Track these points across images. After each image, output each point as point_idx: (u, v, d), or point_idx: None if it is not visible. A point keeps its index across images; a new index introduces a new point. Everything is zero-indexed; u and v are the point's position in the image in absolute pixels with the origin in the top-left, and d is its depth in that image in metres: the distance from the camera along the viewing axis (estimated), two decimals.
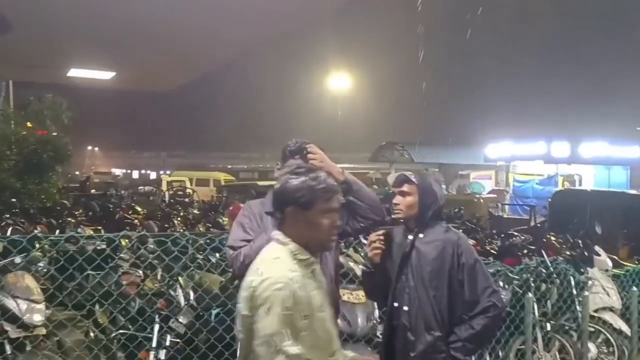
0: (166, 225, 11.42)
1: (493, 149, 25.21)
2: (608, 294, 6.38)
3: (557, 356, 5.84)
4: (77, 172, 41.18)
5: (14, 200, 12.24)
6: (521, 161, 24.73)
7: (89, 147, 60.07)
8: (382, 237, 3.33)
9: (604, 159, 22.85)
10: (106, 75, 11.97)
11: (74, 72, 11.79)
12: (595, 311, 6.19)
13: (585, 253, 7.24)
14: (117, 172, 55.58)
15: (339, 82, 40.01)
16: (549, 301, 5.90)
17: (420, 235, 3.30)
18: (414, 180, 3.33)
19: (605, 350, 6.18)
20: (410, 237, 3.32)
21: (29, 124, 15.82)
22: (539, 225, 13.11)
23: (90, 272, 5.35)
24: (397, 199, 3.35)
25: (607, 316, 6.23)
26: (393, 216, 3.40)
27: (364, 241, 5.75)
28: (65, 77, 11.80)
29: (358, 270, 5.01)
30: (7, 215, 10.76)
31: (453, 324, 3.22)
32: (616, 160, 23.30)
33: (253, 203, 3.48)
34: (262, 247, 3.09)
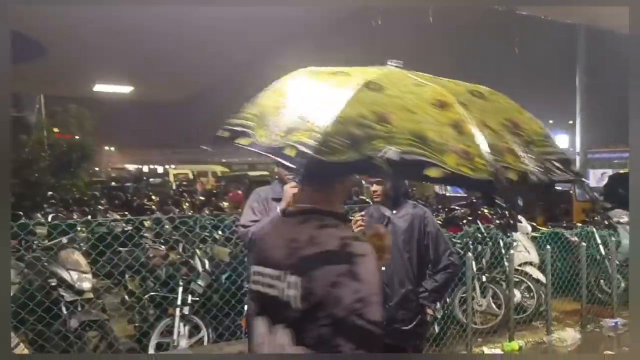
0: (177, 210, 11.49)
1: None
2: (528, 252, 6.63)
3: (491, 301, 6.11)
4: (96, 169, 40.50)
5: (50, 193, 12.17)
6: None
7: (106, 147, 59.16)
8: (364, 217, 3.37)
9: None
10: (126, 89, 11.93)
11: (99, 87, 11.72)
12: (519, 265, 6.45)
13: (511, 221, 7.49)
14: (130, 167, 55.01)
15: None
16: (483, 259, 6.14)
17: (394, 212, 3.41)
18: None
19: (527, 295, 6.44)
20: (386, 213, 3.42)
21: (55, 130, 15.68)
22: (474, 200, 13.43)
23: (123, 249, 5.54)
24: (375, 187, 3.44)
25: (528, 269, 6.48)
26: (374, 200, 3.50)
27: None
28: (91, 91, 11.72)
29: None
30: (46, 206, 10.76)
31: (420, 280, 3.35)
32: None
33: (261, 190, 3.57)
34: (265, 227, 3.29)
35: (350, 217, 3.58)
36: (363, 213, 3.50)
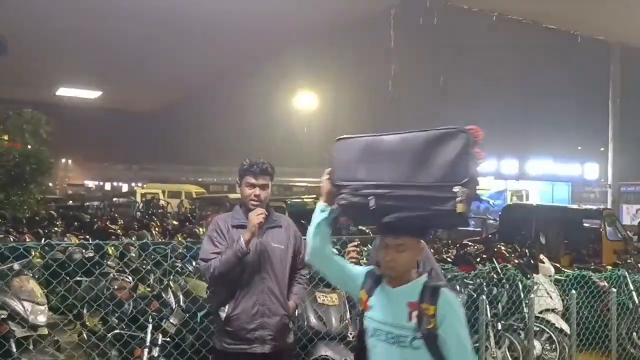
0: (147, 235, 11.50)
1: None
2: (551, 297, 6.70)
3: (507, 352, 6.15)
4: (50, 184, 40.42)
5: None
6: None
7: (63, 160, 59.02)
8: (358, 248, 3.52)
9: (548, 175, 23.52)
10: (93, 94, 12.04)
11: (63, 91, 11.82)
12: (540, 312, 6.48)
13: (531, 261, 7.59)
14: (90, 184, 54.77)
15: (307, 103, 40.23)
16: (499, 303, 6.19)
17: None
18: None
19: (549, 347, 6.49)
20: None
21: (5, 137, 15.66)
22: (490, 236, 13.56)
23: (80, 278, 5.58)
24: None
25: (550, 317, 6.53)
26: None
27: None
28: (53, 95, 11.81)
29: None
30: None
31: None
32: (559, 177, 24.00)
33: (220, 218, 3.69)
34: (229, 259, 3.38)
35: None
36: (356, 243, 3.59)
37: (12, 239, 8.66)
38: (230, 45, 9.13)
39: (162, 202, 22.90)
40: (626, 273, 7.34)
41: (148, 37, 8.25)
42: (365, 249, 3.56)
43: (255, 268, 3.50)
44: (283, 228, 3.69)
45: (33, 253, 5.97)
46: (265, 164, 3.63)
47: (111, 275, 5.74)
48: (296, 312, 3.93)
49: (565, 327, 6.40)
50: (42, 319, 4.49)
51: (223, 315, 3.49)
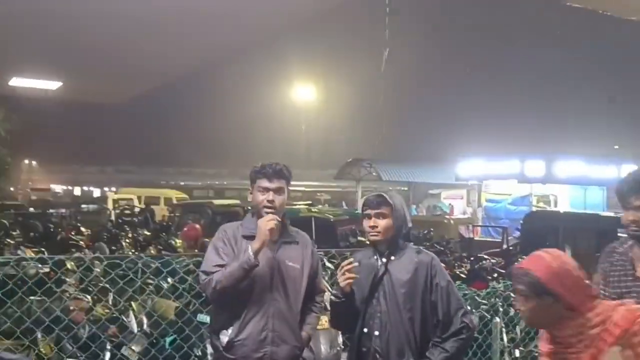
0: (114, 248, 11.42)
1: (465, 167, 25.50)
2: None
3: None
4: (12, 189, 40.42)
5: None
6: (494, 180, 25.15)
7: (26, 161, 59.01)
8: (354, 266, 3.33)
9: (579, 178, 23.28)
10: (52, 85, 11.93)
11: (17, 82, 11.72)
12: None
13: None
14: (57, 188, 54.68)
15: (303, 97, 40.16)
16: (517, 326, 6.12)
17: (392, 258, 3.38)
18: (391, 201, 3.40)
19: None
20: (383, 259, 3.39)
21: None
22: (510, 248, 13.45)
23: (33, 297, 5.47)
24: (375, 222, 3.38)
25: None
26: (371, 239, 3.45)
27: (328, 264, 5.96)
28: (5, 85, 11.70)
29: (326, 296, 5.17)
30: None
31: (424, 348, 3.31)
32: (592, 180, 23.75)
33: (229, 226, 3.59)
34: (234, 272, 3.27)
35: (330, 261, 3.57)
36: (352, 260, 3.47)
37: None
38: (215, 34, 8.99)
39: (136, 209, 22.83)
40: None
41: (118, 21, 8.13)
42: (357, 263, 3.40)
43: (266, 286, 3.40)
44: (300, 245, 3.60)
45: None
46: (279, 165, 3.54)
47: (67, 294, 5.65)
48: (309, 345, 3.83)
49: None
50: None
51: (225, 339, 3.38)
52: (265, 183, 3.49)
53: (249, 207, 3.74)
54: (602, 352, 2.25)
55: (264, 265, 3.37)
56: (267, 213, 3.43)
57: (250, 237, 3.41)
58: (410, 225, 3.56)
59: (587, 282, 2.41)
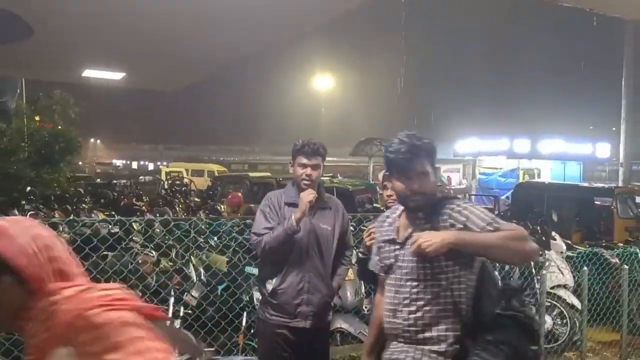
0: (171, 212, 11.54)
1: (461, 144, 25.52)
2: (562, 273, 6.60)
3: None
4: (80, 163, 40.95)
5: (29, 188, 12.27)
6: (486, 156, 25.05)
7: (92, 140, 59.68)
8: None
9: (560, 154, 23.20)
10: (117, 75, 12.02)
11: (88, 73, 11.82)
12: (552, 288, 6.43)
13: (543, 238, 7.46)
14: (118, 163, 55.27)
15: (323, 83, 40.06)
16: (512, 279, 6.15)
17: None
18: None
19: (560, 322, 6.42)
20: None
21: (37, 118, 15.79)
22: (502, 213, 13.39)
23: (106, 252, 5.59)
24: (391, 192, 3.40)
25: (562, 292, 6.45)
26: (388, 205, 3.45)
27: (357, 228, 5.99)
28: (80, 77, 11.82)
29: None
30: (24, 202, 10.85)
31: None
32: (571, 156, 23.67)
33: (273, 194, 3.65)
34: (280, 236, 3.37)
35: (363, 228, 3.59)
36: (376, 225, 3.50)
37: (42, 215, 8.70)
38: (255, 30, 8.98)
39: (185, 180, 23.01)
40: (638, 250, 7.18)
41: (170, 19, 8.17)
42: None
43: (304, 246, 3.48)
44: (332, 210, 3.66)
45: (60, 228, 5.97)
46: (317, 144, 3.57)
47: (135, 250, 5.75)
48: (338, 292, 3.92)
49: (576, 302, 6.31)
50: None
51: (270, 287, 3.49)
52: (304, 160, 3.53)
53: (281, 179, 3.78)
54: (46, 354, 1.32)
55: (303, 229, 3.46)
56: (306, 185, 3.50)
57: (292, 204, 3.49)
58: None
59: (66, 256, 1.43)
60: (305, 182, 3.51)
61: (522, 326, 2.41)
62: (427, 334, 2.47)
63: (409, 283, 2.51)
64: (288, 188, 3.67)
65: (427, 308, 2.46)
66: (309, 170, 3.51)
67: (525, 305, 2.46)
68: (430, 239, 2.31)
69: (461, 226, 2.41)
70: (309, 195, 3.41)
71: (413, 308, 2.48)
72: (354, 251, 4.23)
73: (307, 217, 3.47)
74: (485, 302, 2.47)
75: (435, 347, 2.46)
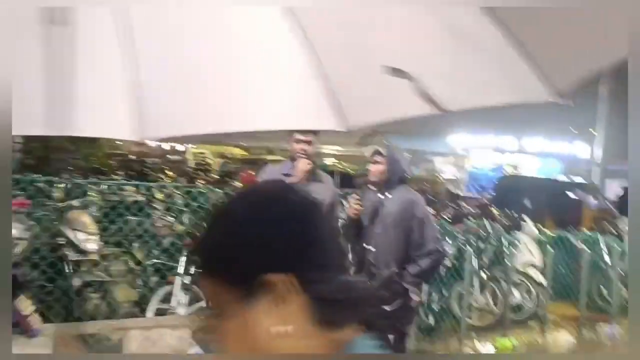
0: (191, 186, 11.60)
1: (454, 140, 25.52)
2: (532, 254, 6.63)
3: (489, 298, 6.08)
4: (117, 142, 41.12)
5: (69, 159, 12.39)
6: (477, 149, 24.97)
7: None
8: (359, 201, 3.53)
9: (541, 152, 23.16)
10: None
11: None
12: (522, 267, 6.43)
13: (517, 221, 7.45)
14: (152, 144, 55.39)
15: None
16: (485, 255, 6.16)
17: (388, 195, 3.48)
18: (383, 152, 3.52)
19: (527, 297, 6.42)
20: (381, 196, 3.50)
21: None
22: (486, 201, 13.35)
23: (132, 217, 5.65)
24: (372, 167, 3.52)
25: (530, 271, 6.47)
26: (370, 179, 3.57)
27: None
28: None
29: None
30: (65, 173, 10.95)
31: (406, 263, 3.40)
32: (551, 154, 23.60)
33: (271, 166, 3.78)
34: None
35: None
36: (358, 197, 3.56)
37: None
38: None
39: (209, 161, 23.10)
40: (599, 236, 7.16)
41: None
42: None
43: None
44: (324, 184, 3.67)
45: (90, 193, 6.04)
46: None
47: (154, 216, 5.80)
48: None
49: (543, 280, 6.32)
50: (91, 246, 4.54)
51: None
52: (299, 136, 3.55)
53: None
54: None
55: None
56: (301, 158, 3.51)
57: (288, 175, 3.49)
58: (405, 170, 3.60)
59: None
60: (301, 155, 3.53)
61: None
62: None
63: None
64: (285, 162, 3.71)
65: None
66: (303, 145, 3.54)
67: None
68: None
69: None
70: (304, 164, 3.44)
71: None
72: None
73: (302, 187, 3.47)
74: None
75: None
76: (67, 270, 4.37)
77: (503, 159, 23.52)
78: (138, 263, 5.36)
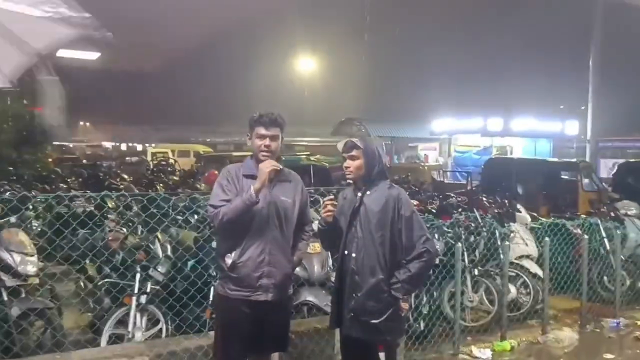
0: (150, 191, 11.30)
1: (438, 124, 25.52)
2: (526, 244, 6.55)
3: (484, 296, 6.00)
4: (70, 145, 40.34)
5: (10, 168, 11.95)
6: (462, 134, 25.05)
7: (81, 122, 58.67)
8: (333, 202, 3.36)
9: (531, 132, 23.35)
10: (91, 55, 11.62)
11: (62, 52, 11.39)
12: (516, 258, 6.38)
13: (510, 210, 7.38)
14: (107, 144, 54.45)
15: (308, 68, 39.75)
16: (477, 250, 6.05)
17: (367, 192, 3.30)
18: (360, 145, 3.32)
19: (523, 291, 6.35)
20: (359, 194, 3.32)
21: (25, 101, 15.35)
22: (473, 188, 13.35)
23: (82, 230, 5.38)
24: (348, 163, 3.33)
25: (525, 262, 6.40)
26: (347, 177, 3.38)
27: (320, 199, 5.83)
28: (54, 57, 11.39)
29: (315, 225, 5.08)
30: (4, 182, 10.52)
31: (393, 268, 3.24)
32: (541, 134, 23.82)
33: (231, 167, 3.44)
34: (238, 207, 3.18)
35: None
36: (332, 197, 3.39)
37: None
38: (235, 6, 8.66)
39: (170, 161, 22.68)
40: (598, 221, 7.13)
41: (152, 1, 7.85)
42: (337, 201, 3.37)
43: (264, 218, 3.27)
44: (292, 183, 3.45)
45: (30, 206, 5.75)
46: (275, 114, 3.35)
47: (107, 227, 5.54)
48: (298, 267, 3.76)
49: (539, 272, 6.25)
50: (31, 268, 4.29)
51: (229, 261, 3.26)
52: (262, 131, 3.32)
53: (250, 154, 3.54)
54: None
55: (263, 201, 3.25)
56: (265, 157, 3.29)
57: (250, 177, 3.29)
58: (385, 164, 3.43)
59: None
60: (264, 153, 3.30)
61: None
62: None
63: None
64: (246, 161, 3.46)
65: None
66: (267, 141, 3.31)
67: None
68: None
69: None
70: (268, 166, 3.21)
71: None
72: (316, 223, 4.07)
73: (267, 189, 3.27)
74: None
75: None
76: (4, 298, 4.10)
77: (489, 141, 23.67)
78: (91, 280, 5.12)
